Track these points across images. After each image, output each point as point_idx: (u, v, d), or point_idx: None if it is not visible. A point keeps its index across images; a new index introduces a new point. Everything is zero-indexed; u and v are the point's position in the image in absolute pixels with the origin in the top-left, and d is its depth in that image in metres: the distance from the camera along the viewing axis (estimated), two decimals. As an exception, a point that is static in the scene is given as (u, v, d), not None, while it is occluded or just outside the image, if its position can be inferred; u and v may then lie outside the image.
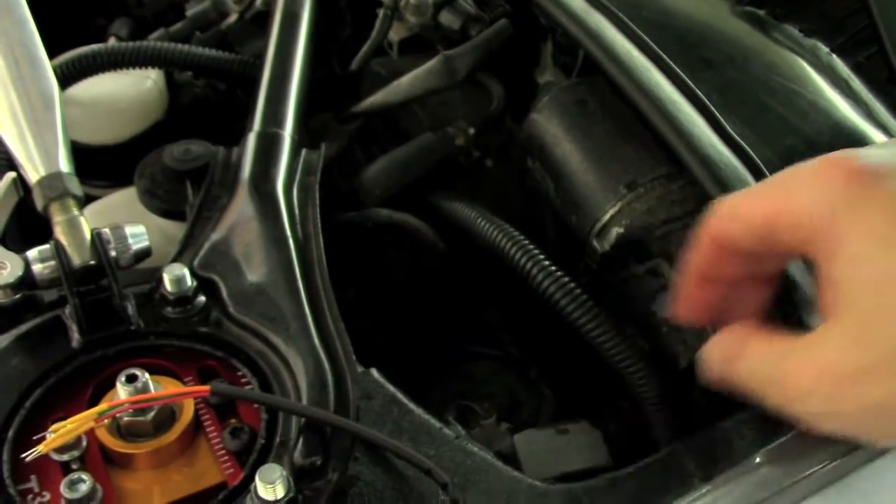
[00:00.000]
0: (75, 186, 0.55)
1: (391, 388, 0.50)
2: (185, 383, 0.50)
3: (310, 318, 0.51)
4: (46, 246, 0.51)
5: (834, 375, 0.35)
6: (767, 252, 0.41)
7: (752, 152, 0.58)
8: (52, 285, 0.51)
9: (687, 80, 0.61)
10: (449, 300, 0.72)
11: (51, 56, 0.65)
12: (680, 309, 0.45)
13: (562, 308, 0.58)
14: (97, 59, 0.71)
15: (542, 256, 0.61)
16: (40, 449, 0.43)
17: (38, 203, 0.54)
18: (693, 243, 0.43)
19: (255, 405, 0.48)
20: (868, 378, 0.34)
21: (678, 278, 0.45)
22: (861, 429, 0.36)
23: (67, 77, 0.70)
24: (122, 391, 0.46)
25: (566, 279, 0.59)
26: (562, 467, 0.54)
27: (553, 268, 0.60)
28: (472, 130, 0.74)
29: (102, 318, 0.51)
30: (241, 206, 0.58)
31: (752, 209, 0.40)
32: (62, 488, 0.43)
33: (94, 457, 0.46)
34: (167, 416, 0.47)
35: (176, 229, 0.64)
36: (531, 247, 0.61)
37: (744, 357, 0.40)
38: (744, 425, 0.49)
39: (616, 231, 0.60)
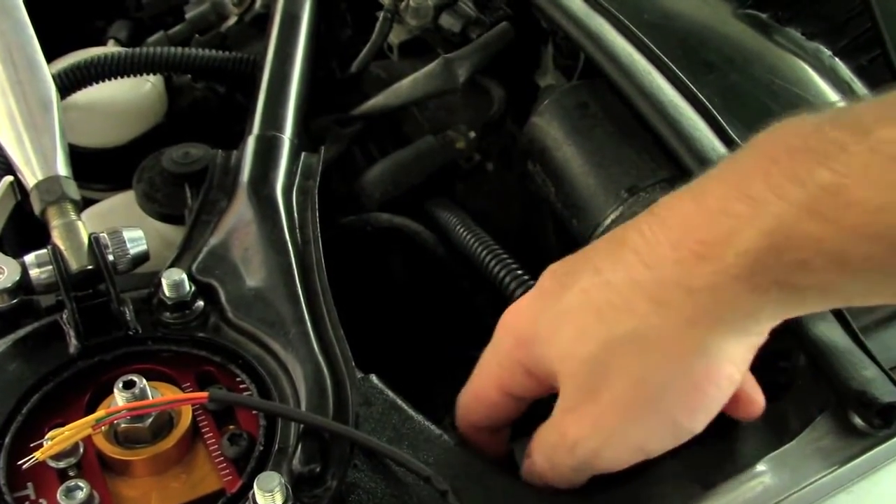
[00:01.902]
0: (73, 190, 0.55)
1: (391, 394, 0.49)
2: (183, 389, 0.49)
3: (309, 324, 0.50)
4: (44, 250, 0.51)
5: (571, 415, 0.45)
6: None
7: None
8: (49, 290, 0.51)
9: (688, 83, 0.61)
10: (449, 304, 0.72)
11: (50, 59, 0.65)
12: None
13: None
14: (95, 69, 0.71)
15: (515, 265, 0.63)
16: (37, 456, 0.43)
17: (36, 207, 0.54)
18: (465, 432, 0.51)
19: (254, 411, 0.48)
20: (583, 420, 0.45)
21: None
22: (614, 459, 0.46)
23: (66, 86, 0.70)
24: (119, 397, 0.45)
25: (528, 278, 0.61)
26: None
27: (526, 277, 0.61)
28: (472, 134, 0.74)
29: (100, 324, 0.50)
30: (240, 210, 0.58)
31: (480, 398, 0.50)
32: (59, 496, 0.43)
33: (91, 464, 0.46)
34: (165, 423, 0.47)
35: (174, 233, 0.63)
36: (505, 255, 0.63)
37: (542, 440, 0.48)
38: (746, 433, 0.49)
39: (617, 235, 0.60)
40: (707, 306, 0.41)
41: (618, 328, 0.43)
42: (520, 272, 0.63)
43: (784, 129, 0.40)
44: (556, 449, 0.46)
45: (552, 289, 0.47)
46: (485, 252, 0.64)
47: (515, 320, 0.48)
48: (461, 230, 0.67)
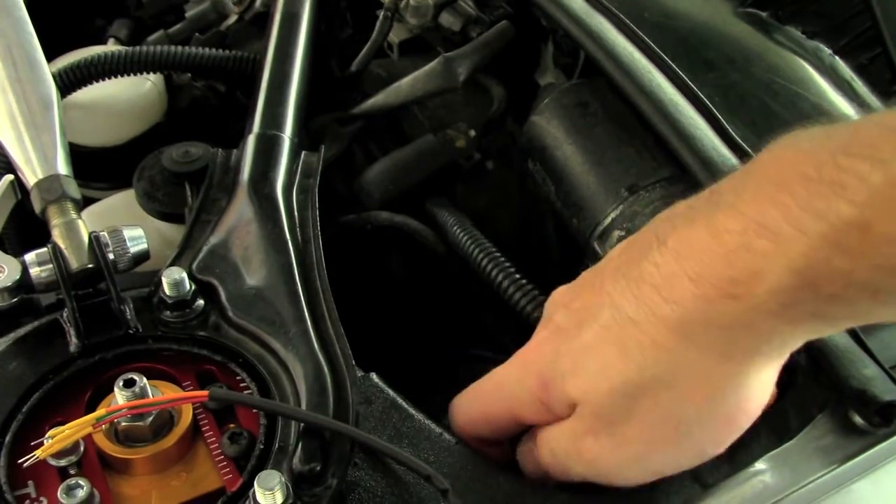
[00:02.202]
0: (73, 189, 0.55)
1: (391, 392, 0.50)
2: (183, 388, 0.49)
3: (309, 322, 0.50)
4: (44, 249, 0.51)
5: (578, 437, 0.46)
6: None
7: (754, 155, 0.57)
8: (49, 289, 0.51)
9: (689, 81, 0.61)
10: (449, 303, 0.72)
11: (50, 58, 0.65)
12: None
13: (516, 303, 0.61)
14: (95, 68, 0.71)
15: (511, 268, 0.63)
16: (38, 454, 0.43)
17: (36, 206, 0.54)
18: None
19: (254, 410, 0.48)
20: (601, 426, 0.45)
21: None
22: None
23: (66, 85, 0.70)
24: (119, 396, 0.45)
25: (530, 287, 0.62)
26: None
27: (518, 276, 0.62)
28: (472, 132, 0.74)
29: (100, 322, 0.50)
30: (241, 209, 0.58)
31: (489, 419, 0.49)
32: (59, 494, 0.43)
33: (91, 462, 0.46)
34: (165, 421, 0.47)
35: (175, 232, 0.63)
36: (500, 257, 0.63)
37: (553, 445, 0.47)
38: (746, 431, 0.49)
39: (617, 234, 0.60)
40: (741, 341, 0.40)
41: (646, 365, 0.42)
42: (518, 276, 0.63)
43: (792, 153, 0.39)
44: (569, 457, 0.46)
45: (568, 325, 0.46)
46: (483, 257, 0.64)
47: (534, 358, 0.47)
48: (460, 233, 0.67)
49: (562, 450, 0.46)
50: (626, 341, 0.42)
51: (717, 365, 0.41)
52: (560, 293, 0.49)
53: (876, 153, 0.36)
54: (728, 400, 0.42)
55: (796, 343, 0.42)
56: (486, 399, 0.50)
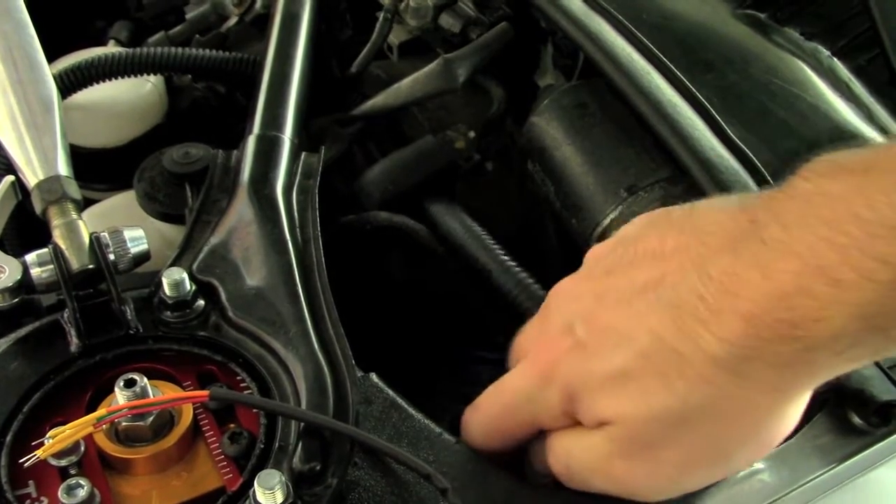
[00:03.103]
0: (74, 190, 0.55)
1: (391, 392, 0.50)
2: (183, 388, 0.50)
3: (309, 322, 0.50)
4: (45, 250, 0.51)
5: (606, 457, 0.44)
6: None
7: (752, 155, 0.57)
8: (50, 289, 0.51)
9: (687, 83, 0.61)
10: (449, 303, 0.72)
11: (50, 59, 0.65)
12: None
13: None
14: (96, 69, 0.71)
15: (516, 267, 0.63)
16: (39, 454, 0.43)
17: (37, 207, 0.54)
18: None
19: (254, 410, 0.48)
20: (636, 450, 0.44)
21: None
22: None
23: (67, 87, 0.70)
24: (120, 396, 0.45)
25: (524, 275, 0.61)
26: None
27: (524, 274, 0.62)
28: (472, 134, 0.74)
29: (101, 323, 0.50)
30: (241, 210, 0.58)
31: (507, 434, 0.48)
32: (60, 494, 0.43)
33: (92, 462, 0.46)
34: (166, 421, 0.47)
35: (175, 233, 0.63)
36: (504, 256, 0.63)
37: (572, 459, 0.46)
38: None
39: (616, 235, 0.60)
40: (796, 377, 0.40)
41: (691, 398, 0.40)
42: (530, 282, 0.62)
43: (840, 187, 0.37)
44: (593, 473, 0.44)
45: (596, 344, 0.43)
46: (492, 262, 0.64)
47: (558, 369, 0.45)
48: (466, 237, 0.66)
49: (584, 465, 0.45)
50: (669, 372, 0.41)
51: (764, 398, 0.41)
52: (567, 289, 0.47)
53: None
54: (771, 429, 0.42)
55: (848, 370, 0.41)
56: (504, 411, 0.48)
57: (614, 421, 0.43)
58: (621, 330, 0.43)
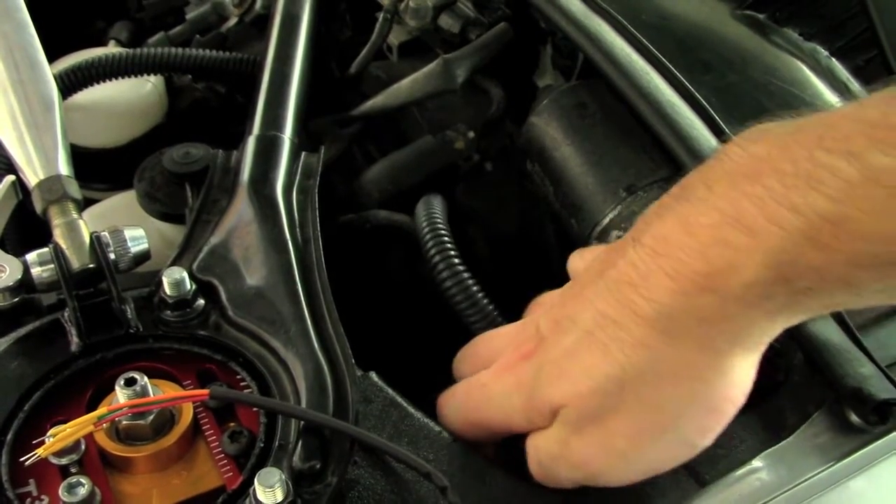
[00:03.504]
0: (74, 190, 0.55)
1: (390, 391, 0.50)
2: (184, 387, 0.50)
3: (309, 322, 0.50)
4: (45, 249, 0.51)
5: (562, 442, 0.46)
6: None
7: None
8: (51, 289, 0.51)
9: (686, 83, 0.61)
10: (447, 302, 0.72)
11: (51, 59, 0.65)
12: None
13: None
14: (96, 69, 0.71)
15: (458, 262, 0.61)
16: (39, 453, 0.43)
17: (37, 206, 0.54)
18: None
19: (254, 409, 0.48)
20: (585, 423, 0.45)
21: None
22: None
23: (67, 87, 0.70)
24: (120, 395, 0.45)
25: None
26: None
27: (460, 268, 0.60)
28: (471, 134, 0.74)
29: (101, 322, 0.51)
30: (241, 209, 0.58)
31: (481, 427, 0.49)
32: (61, 492, 0.43)
33: (92, 460, 0.46)
34: (166, 420, 0.47)
35: (175, 232, 0.64)
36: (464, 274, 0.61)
37: (540, 453, 0.47)
38: (741, 429, 0.49)
39: (616, 234, 0.60)
40: (720, 333, 0.41)
41: (629, 362, 0.42)
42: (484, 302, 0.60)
43: (766, 146, 0.39)
44: (557, 462, 0.46)
45: (550, 334, 0.46)
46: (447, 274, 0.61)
47: (519, 372, 0.47)
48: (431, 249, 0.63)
49: (548, 456, 0.46)
50: (608, 342, 0.43)
51: (698, 356, 0.42)
52: (547, 297, 0.50)
53: (852, 147, 0.36)
54: (711, 390, 0.43)
55: (775, 331, 0.42)
56: (475, 409, 0.49)
57: (564, 403, 0.44)
58: (572, 315, 0.45)
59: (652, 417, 0.43)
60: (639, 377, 0.42)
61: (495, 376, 0.49)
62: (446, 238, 0.62)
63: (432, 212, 0.64)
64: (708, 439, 0.45)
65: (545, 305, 0.51)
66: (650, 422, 0.43)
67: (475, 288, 0.60)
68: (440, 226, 0.62)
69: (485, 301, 0.60)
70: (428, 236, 0.62)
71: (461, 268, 0.60)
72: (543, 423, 0.46)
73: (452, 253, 0.61)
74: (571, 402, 0.44)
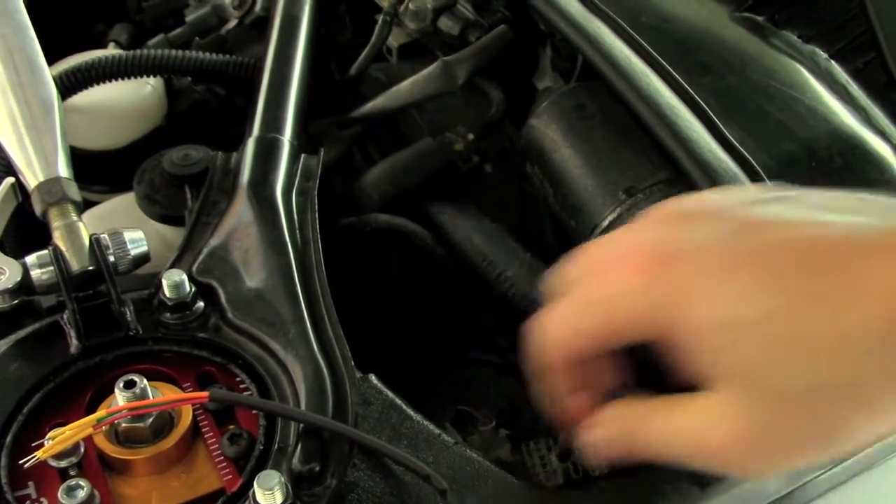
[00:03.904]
0: (74, 192, 0.55)
1: (390, 393, 0.50)
2: (183, 389, 0.50)
3: (308, 324, 0.50)
4: (45, 251, 0.51)
5: (738, 437, 0.37)
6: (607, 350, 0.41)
7: (750, 158, 0.58)
8: (50, 291, 0.51)
9: (685, 85, 0.61)
10: (447, 305, 0.72)
11: (51, 61, 0.65)
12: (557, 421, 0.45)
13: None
14: (95, 71, 0.71)
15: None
16: (38, 455, 0.43)
17: (37, 208, 0.54)
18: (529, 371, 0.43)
19: (254, 411, 0.48)
20: (765, 436, 0.37)
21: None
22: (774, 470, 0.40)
23: (66, 88, 0.70)
24: (120, 397, 0.45)
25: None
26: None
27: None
28: (471, 136, 0.74)
29: (101, 324, 0.51)
30: (240, 212, 0.58)
31: (577, 332, 0.41)
32: (60, 495, 0.43)
33: (91, 463, 0.46)
34: (165, 422, 0.47)
35: (175, 234, 0.64)
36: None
37: (649, 432, 0.40)
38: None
39: (615, 236, 0.60)
40: None
41: (845, 378, 0.35)
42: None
43: None
44: (682, 449, 0.39)
45: (753, 314, 0.36)
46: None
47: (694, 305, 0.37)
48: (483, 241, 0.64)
49: (691, 439, 0.39)
50: (830, 346, 0.35)
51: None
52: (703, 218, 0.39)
53: None
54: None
55: None
56: (575, 305, 0.41)
57: (724, 381, 0.37)
58: (785, 287, 0.36)
59: (836, 433, 0.37)
60: (847, 389, 0.35)
61: (629, 273, 0.39)
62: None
63: None
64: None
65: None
66: (830, 437, 0.37)
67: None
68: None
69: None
70: None
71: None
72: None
73: None
74: (743, 390, 0.36)
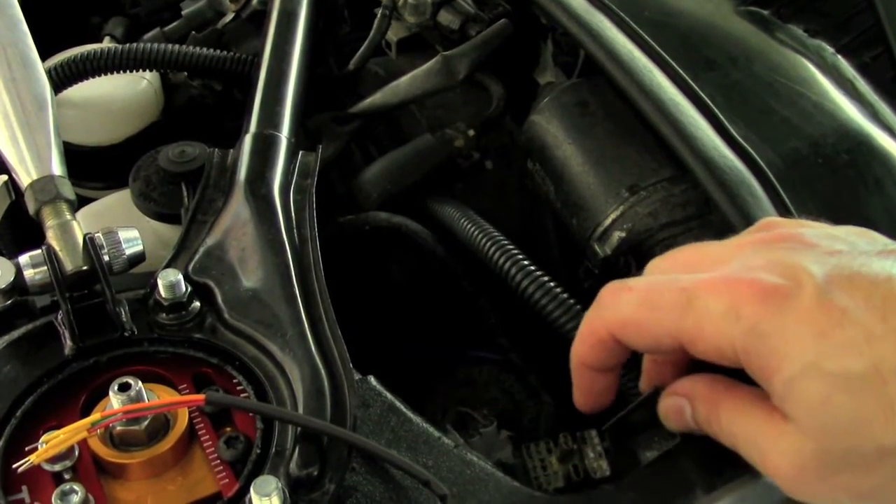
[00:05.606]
0: (67, 190, 0.54)
1: (389, 396, 0.49)
2: (179, 391, 0.49)
3: (306, 324, 0.50)
4: (38, 251, 0.50)
5: (800, 469, 0.40)
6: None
7: (755, 155, 0.57)
8: (43, 291, 0.51)
9: (689, 81, 0.61)
10: (448, 304, 0.71)
11: (44, 56, 0.64)
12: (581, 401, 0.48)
13: (542, 308, 0.58)
14: (89, 64, 0.71)
15: (522, 258, 0.60)
16: (32, 459, 0.43)
17: (30, 207, 0.54)
18: (584, 336, 0.45)
19: (251, 414, 0.47)
20: (828, 473, 0.39)
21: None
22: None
23: (60, 81, 0.70)
24: (115, 400, 0.45)
25: (546, 279, 0.59)
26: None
27: (533, 268, 0.60)
28: (471, 132, 0.74)
29: (95, 325, 0.50)
30: (237, 209, 0.57)
31: (656, 328, 0.42)
32: (54, 499, 0.42)
33: (86, 467, 0.45)
34: (161, 425, 0.46)
35: (171, 232, 0.63)
36: (512, 248, 0.61)
37: (720, 420, 0.43)
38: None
39: (618, 235, 0.60)
40: None
41: None
42: (527, 264, 0.60)
43: None
44: (744, 451, 0.40)
45: (867, 329, 0.37)
46: (491, 246, 0.62)
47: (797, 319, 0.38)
48: (469, 226, 0.64)
49: (751, 444, 0.41)
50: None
51: None
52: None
53: None
54: None
55: None
56: (657, 307, 0.42)
57: (807, 405, 0.38)
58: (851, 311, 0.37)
59: None
60: None
61: (711, 287, 0.40)
62: (506, 243, 0.61)
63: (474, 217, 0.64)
64: None
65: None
66: None
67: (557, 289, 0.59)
68: (494, 232, 0.62)
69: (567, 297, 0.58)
70: (487, 244, 0.62)
71: (539, 272, 0.59)
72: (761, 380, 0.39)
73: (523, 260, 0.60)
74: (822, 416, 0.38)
